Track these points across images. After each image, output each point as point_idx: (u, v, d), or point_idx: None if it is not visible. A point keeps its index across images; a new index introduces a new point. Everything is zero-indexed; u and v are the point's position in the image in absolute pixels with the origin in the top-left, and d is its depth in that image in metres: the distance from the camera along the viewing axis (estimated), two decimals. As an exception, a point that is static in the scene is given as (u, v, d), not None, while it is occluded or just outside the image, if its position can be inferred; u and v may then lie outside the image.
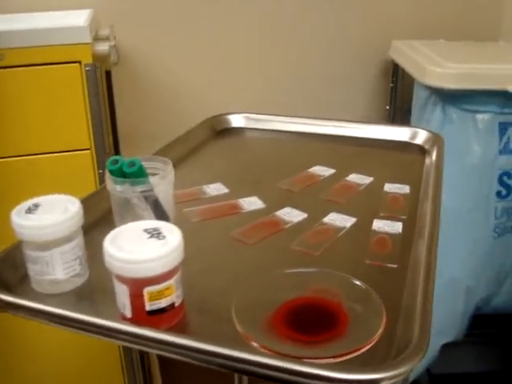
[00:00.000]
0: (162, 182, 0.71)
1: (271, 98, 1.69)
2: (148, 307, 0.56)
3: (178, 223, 0.76)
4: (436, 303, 1.57)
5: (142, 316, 0.56)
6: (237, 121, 1.14)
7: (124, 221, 0.72)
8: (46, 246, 0.61)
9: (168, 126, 1.17)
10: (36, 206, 0.64)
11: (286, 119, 1.13)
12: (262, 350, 0.52)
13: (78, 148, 1.31)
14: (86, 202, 0.77)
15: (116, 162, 0.69)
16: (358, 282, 0.61)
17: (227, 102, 1.64)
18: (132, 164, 0.68)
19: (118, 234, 0.57)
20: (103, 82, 1.33)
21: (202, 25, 1.61)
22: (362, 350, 0.53)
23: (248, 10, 1.63)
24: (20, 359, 1.44)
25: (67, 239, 0.62)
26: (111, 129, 1.40)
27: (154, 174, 0.72)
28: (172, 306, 0.57)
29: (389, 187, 0.87)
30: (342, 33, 1.70)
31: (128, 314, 0.57)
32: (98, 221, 0.76)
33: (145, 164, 0.72)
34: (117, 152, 1.46)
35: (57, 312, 0.56)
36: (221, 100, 1.64)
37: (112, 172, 0.69)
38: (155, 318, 0.56)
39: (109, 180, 0.70)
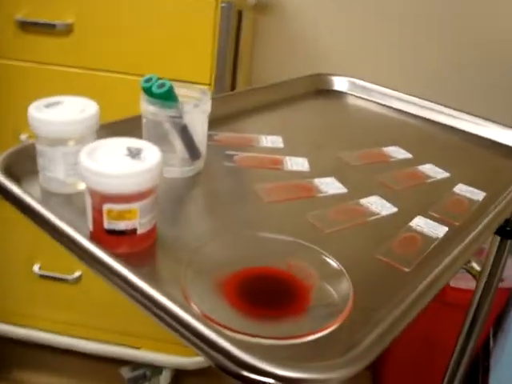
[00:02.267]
0: (195, 111, 0.67)
1: (411, 79, 1.55)
2: (106, 225, 0.53)
3: (210, 162, 0.73)
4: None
5: (100, 233, 0.54)
6: (340, 84, 1.05)
7: (152, 145, 0.71)
8: (52, 142, 0.62)
9: (287, 74, 1.12)
10: (57, 103, 0.64)
11: (396, 94, 1.02)
12: (195, 310, 0.47)
13: (198, 81, 1.32)
14: (126, 122, 0.76)
15: (149, 80, 0.66)
16: (333, 262, 0.53)
17: (362, 68, 1.54)
18: (162, 85, 0.65)
19: (100, 146, 0.55)
20: (235, 21, 1.31)
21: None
22: (306, 338, 0.46)
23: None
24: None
25: (74, 141, 0.62)
26: (232, 69, 1.39)
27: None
28: (133, 231, 0.54)
29: (460, 188, 0.75)
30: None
31: (90, 227, 0.55)
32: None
33: (182, 91, 0.69)
34: (232, 93, 1.44)
35: (25, 202, 0.56)
36: (360, 68, 1.55)
37: (145, 90, 0.67)
38: (113, 238, 0.54)
39: (141, 99, 0.67)
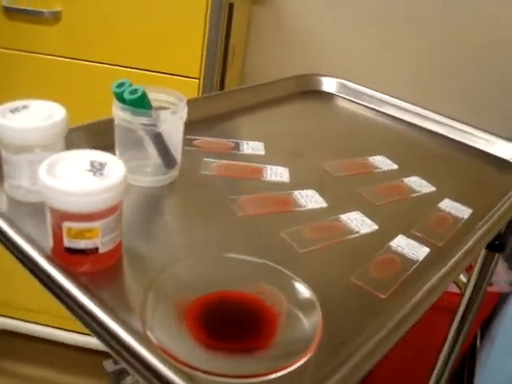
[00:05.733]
0: (171, 118, 0.64)
1: (408, 83, 1.51)
2: (66, 243, 0.50)
3: (187, 169, 0.70)
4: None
5: (61, 250, 0.51)
6: (328, 85, 1.02)
7: (125, 152, 0.68)
8: (17, 150, 0.58)
9: (281, 70, 1.09)
10: (24, 107, 0.61)
11: (386, 98, 0.99)
12: (153, 343, 0.44)
13: (187, 75, 1.29)
14: (100, 124, 0.73)
15: (122, 85, 0.63)
16: (305, 290, 0.50)
17: (353, 66, 1.50)
18: (134, 91, 0.62)
19: (62, 159, 0.52)
20: (225, 14, 1.27)
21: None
22: (267, 377, 0.43)
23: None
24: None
25: (40, 148, 0.59)
26: (222, 63, 1.35)
27: (165, 109, 0.65)
28: (94, 250, 0.51)
29: (446, 204, 0.72)
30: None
31: (51, 243, 0.52)
32: (105, 147, 0.71)
33: (156, 96, 0.66)
34: (222, 87, 1.41)
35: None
36: (348, 63, 1.51)
37: (117, 96, 0.63)
38: (74, 257, 0.51)
39: (114, 104, 0.64)
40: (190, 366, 0.41)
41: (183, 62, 1.28)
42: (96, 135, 0.71)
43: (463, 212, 0.71)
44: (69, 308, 0.47)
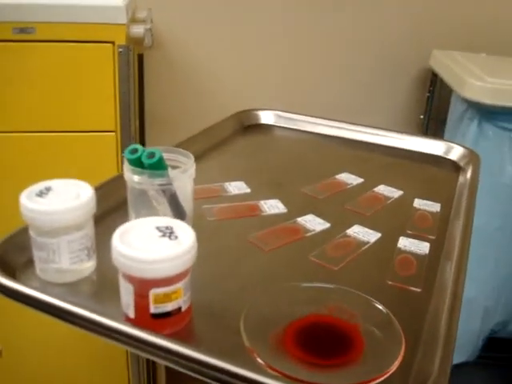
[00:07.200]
0: (182, 177, 0.68)
1: (301, 98, 1.65)
2: (152, 310, 0.52)
3: (194, 221, 0.73)
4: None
5: (145, 318, 0.53)
6: (266, 117, 1.10)
7: (138, 213, 0.70)
8: (54, 232, 0.59)
9: (197, 115, 1.14)
10: (48, 189, 0.61)
11: (319, 121, 1.09)
12: (268, 370, 0.49)
13: (103, 130, 1.29)
14: (101, 189, 0.75)
15: (135, 151, 0.65)
16: (378, 305, 0.57)
17: (260, 98, 1.60)
18: (152, 155, 0.65)
19: (129, 229, 0.54)
20: (135, 65, 1.30)
21: (240, 15, 1.58)
22: (376, 381, 0.49)
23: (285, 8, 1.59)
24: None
25: (76, 228, 0.59)
26: (138, 113, 1.37)
27: (173, 167, 0.69)
28: (178, 310, 0.54)
29: (418, 203, 0.83)
30: (381, 37, 1.65)
31: (131, 314, 0.54)
32: (112, 210, 0.74)
33: (165, 156, 0.69)
34: (142, 137, 1.43)
35: (51, 303, 0.53)
36: (252, 95, 1.61)
37: (130, 161, 0.66)
38: (159, 321, 0.53)
39: (126, 170, 0.66)
40: (297, 380, 0.47)
41: (97, 117, 1.28)
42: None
43: (435, 206, 0.82)
44: (184, 367, 0.49)
